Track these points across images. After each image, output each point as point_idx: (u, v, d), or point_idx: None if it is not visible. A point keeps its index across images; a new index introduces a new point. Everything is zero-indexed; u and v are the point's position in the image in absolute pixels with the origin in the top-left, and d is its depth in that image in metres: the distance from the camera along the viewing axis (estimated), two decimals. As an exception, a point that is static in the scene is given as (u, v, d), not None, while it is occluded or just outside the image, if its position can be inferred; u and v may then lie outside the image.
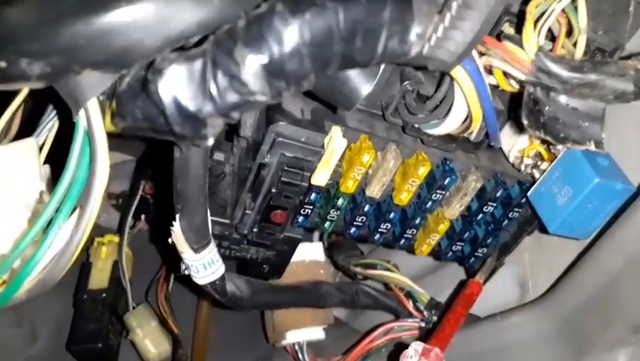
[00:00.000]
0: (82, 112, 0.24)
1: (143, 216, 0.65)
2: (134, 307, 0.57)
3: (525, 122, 0.29)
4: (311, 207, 0.42)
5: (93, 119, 0.24)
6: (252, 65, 0.21)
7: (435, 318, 0.48)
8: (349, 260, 0.55)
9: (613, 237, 0.33)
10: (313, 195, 0.41)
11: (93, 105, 0.24)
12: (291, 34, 0.21)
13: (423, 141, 0.39)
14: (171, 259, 0.60)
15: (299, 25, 0.21)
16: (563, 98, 0.28)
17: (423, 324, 0.48)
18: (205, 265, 0.35)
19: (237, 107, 0.22)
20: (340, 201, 0.42)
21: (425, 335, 0.47)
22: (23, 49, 0.21)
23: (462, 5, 0.23)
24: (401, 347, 0.35)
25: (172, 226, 0.32)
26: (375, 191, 0.42)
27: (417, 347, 0.34)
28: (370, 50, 0.23)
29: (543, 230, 0.38)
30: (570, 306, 0.37)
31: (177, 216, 0.31)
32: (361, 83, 0.26)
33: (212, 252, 0.35)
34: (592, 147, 0.29)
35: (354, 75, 0.27)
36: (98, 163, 0.25)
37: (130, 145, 0.70)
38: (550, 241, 0.46)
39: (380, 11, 0.22)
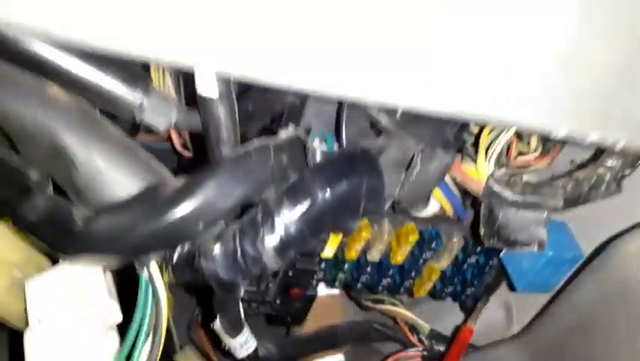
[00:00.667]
0: (145, 271, 0.33)
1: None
2: (180, 348, 0.67)
3: (482, 232, 0.37)
4: (322, 273, 0.50)
5: (154, 276, 0.32)
6: (267, 250, 0.29)
7: (435, 347, 0.56)
8: (361, 295, 0.64)
9: (566, 298, 0.41)
10: (323, 264, 0.49)
11: (154, 267, 0.32)
12: (294, 222, 0.29)
13: (410, 218, 0.47)
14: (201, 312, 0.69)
15: (299, 215, 0.29)
16: (511, 210, 0.36)
17: (425, 353, 0.56)
18: (241, 344, 0.44)
19: (258, 275, 0.30)
20: (346, 266, 0.51)
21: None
22: (106, 250, 0.29)
23: (419, 171, 0.31)
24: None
25: (213, 323, 0.41)
26: (375, 256, 0.50)
27: None
28: (353, 214, 0.31)
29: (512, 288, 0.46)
30: (541, 346, 0.45)
31: (218, 316, 0.40)
32: (353, 223, 0.34)
33: (245, 335, 0.44)
34: (536, 248, 0.36)
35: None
36: (161, 303, 0.33)
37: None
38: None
39: (359, 188, 0.30)
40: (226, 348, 0.44)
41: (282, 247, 0.29)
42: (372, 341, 0.59)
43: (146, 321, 0.34)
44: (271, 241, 0.29)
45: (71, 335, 0.37)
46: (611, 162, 0.33)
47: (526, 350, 0.46)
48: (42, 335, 0.37)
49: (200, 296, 0.67)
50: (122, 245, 0.29)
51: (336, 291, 0.67)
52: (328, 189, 0.29)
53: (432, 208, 0.43)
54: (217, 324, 0.41)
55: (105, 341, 0.38)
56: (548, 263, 0.42)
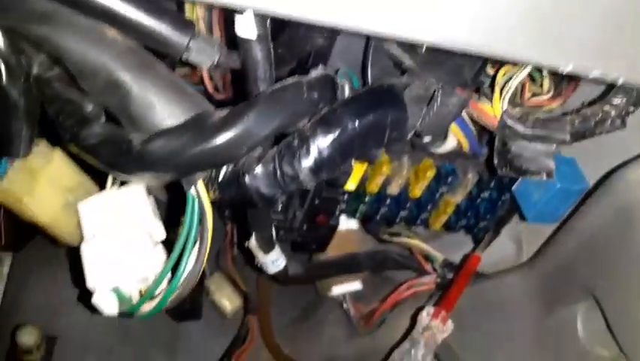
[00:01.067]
0: (192, 189, 0.37)
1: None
2: (210, 274, 0.73)
3: (495, 162, 0.40)
4: (345, 204, 0.54)
5: (201, 195, 0.37)
6: (304, 170, 0.33)
7: (447, 274, 0.61)
8: (379, 228, 0.68)
9: (572, 224, 0.45)
10: (346, 196, 0.54)
11: (200, 185, 0.36)
12: (327, 147, 0.33)
13: (429, 155, 0.50)
14: (237, 233, 0.74)
15: (331, 141, 0.32)
16: (524, 142, 0.39)
17: (438, 280, 0.61)
18: (272, 261, 0.49)
19: (294, 190, 0.34)
20: (367, 199, 0.55)
21: (439, 289, 0.61)
22: (161, 168, 0.33)
23: (440, 105, 0.34)
24: (419, 309, 0.49)
25: (249, 240, 0.46)
26: (394, 190, 0.54)
27: (429, 310, 0.47)
28: (379, 143, 0.34)
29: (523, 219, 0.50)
30: (546, 271, 0.49)
31: (253, 234, 0.45)
32: (377, 151, 0.38)
33: (276, 252, 0.49)
34: (544, 177, 0.40)
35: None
36: (206, 220, 0.37)
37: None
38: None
39: (384, 120, 0.33)
40: (258, 265, 0.49)
41: (316, 168, 0.33)
42: (389, 269, 0.64)
43: (193, 233, 0.38)
44: (307, 162, 0.33)
45: (123, 247, 0.42)
46: (616, 100, 0.36)
47: (534, 277, 0.50)
48: (97, 248, 0.42)
49: (234, 221, 0.72)
50: (174, 164, 0.33)
51: (355, 225, 0.71)
52: (357, 119, 0.33)
53: (450, 144, 0.46)
54: (252, 242, 0.46)
55: (153, 253, 0.42)
56: (557, 194, 0.45)
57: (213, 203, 0.37)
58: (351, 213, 0.57)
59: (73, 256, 0.47)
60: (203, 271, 0.73)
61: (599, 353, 0.45)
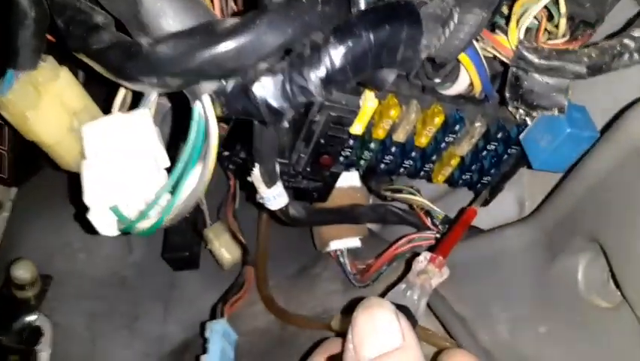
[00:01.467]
0: (197, 102, 0.36)
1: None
2: (210, 224, 0.72)
3: (507, 94, 0.40)
4: (350, 150, 0.54)
5: (207, 108, 0.36)
6: (314, 80, 0.32)
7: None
8: (380, 185, 0.68)
9: (578, 172, 0.44)
10: (352, 141, 0.53)
11: (206, 99, 0.36)
12: (340, 57, 0.32)
13: (438, 98, 0.50)
14: (240, 184, 0.74)
15: (344, 51, 0.32)
16: (537, 76, 0.38)
17: (438, 235, 0.61)
18: (275, 197, 0.48)
19: (303, 104, 0.34)
20: (372, 145, 0.54)
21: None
22: (168, 71, 0.33)
23: (457, 23, 0.34)
24: (415, 255, 0.49)
25: (252, 171, 0.45)
26: (400, 136, 0.53)
27: (426, 255, 0.47)
28: (392, 59, 0.34)
29: (530, 166, 0.49)
30: (548, 223, 0.49)
31: (256, 164, 0.44)
32: (388, 74, 0.37)
33: (279, 187, 0.48)
34: (556, 112, 0.39)
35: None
36: (212, 136, 0.37)
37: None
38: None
39: (399, 34, 0.33)
40: (260, 200, 0.49)
41: (327, 79, 0.32)
42: (390, 223, 0.63)
43: (197, 150, 0.37)
44: (318, 72, 0.32)
45: (124, 167, 0.41)
46: (637, 33, 0.35)
47: (535, 228, 0.50)
48: (98, 166, 0.41)
49: (237, 175, 0.72)
50: (182, 68, 0.32)
51: (357, 183, 0.71)
52: (372, 30, 0.32)
53: (461, 85, 0.45)
54: (255, 173, 0.45)
55: (156, 176, 0.42)
56: (566, 140, 0.44)
57: (219, 119, 0.37)
58: (356, 162, 0.56)
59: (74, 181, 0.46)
60: (204, 220, 0.73)
61: (597, 304, 0.45)
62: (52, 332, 0.70)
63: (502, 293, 0.52)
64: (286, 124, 0.35)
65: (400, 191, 0.64)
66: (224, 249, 0.71)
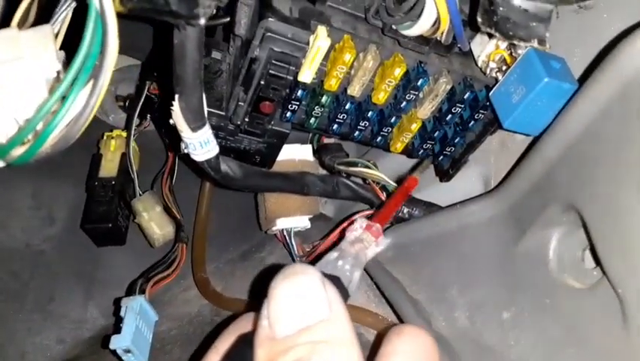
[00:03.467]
0: (94, -5, 0.29)
1: (148, 116, 0.70)
2: (140, 195, 0.64)
3: (479, 19, 0.33)
4: (297, 103, 0.47)
5: (104, 1, 0.28)
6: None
7: (404, 208, 0.54)
8: (335, 160, 0.61)
9: (554, 130, 0.38)
10: (299, 92, 0.46)
11: (104, -12, 0.28)
12: None
13: (400, 42, 0.43)
14: (175, 151, 0.67)
15: None
16: (515, 1, 0.32)
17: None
18: (202, 144, 0.40)
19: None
20: (324, 99, 0.47)
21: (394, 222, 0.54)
22: None
23: None
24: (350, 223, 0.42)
25: (171, 106, 0.37)
26: (356, 90, 0.47)
27: (361, 222, 0.40)
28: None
29: (502, 128, 0.43)
30: (517, 193, 0.42)
31: (176, 97, 0.36)
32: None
33: (207, 133, 0.40)
34: (535, 44, 0.33)
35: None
36: (109, 39, 0.29)
37: (136, 49, 0.73)
38: (514, 144, 0.51)
39: None
40: (184, 150, 0.41)
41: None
42: (341, 197, 0.56)
43: (92, 56, 0.30)
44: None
45: (8, 81, 0.33)
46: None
47: (503, 200, 0.44)
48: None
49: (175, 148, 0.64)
50: None
51: (310, 157, 0.64)
52: None
53: (425, 21, 0.39)
54: (175, 109, 0.37)
55: (39, 94, 0.34)
56: (542, 92, 0.38)
57: (120, 16, 0.29)
58: (305, 120, 0.49)
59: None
60: (133, 190, 0.64)
61: (569, 284, 0.39)
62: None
63: (461, 275, 0.46)
64: (202, 22, 0.28)
65: (354, 164, 0.57)
66: (155, 223, 0.62)
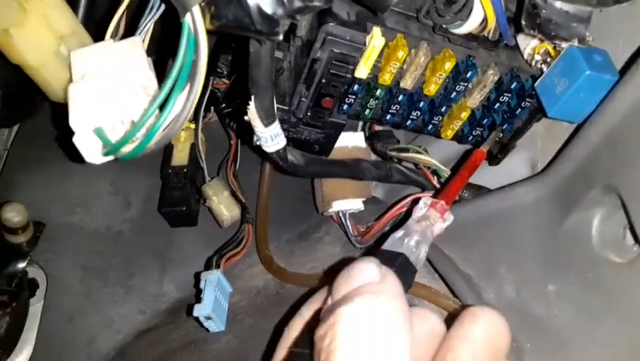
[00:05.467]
0: (188, 15, 0.34)
1: (212, 108, 0.76)
2: (209, 180, 0.70)
3: (523, 22, 0.37)
4: (354, 97, 0.51)
5: (197, 20, 0.34)
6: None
7: (455, 191, 0.58)
8: (386, 146, 0.65)
9: (596, 117, 0.41)
10: (356, 87, 0.50)
11: (197, 10, 0.33)
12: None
13: (449, 39, 0.47)
14: (240, 140, 0.72)
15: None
16: (557, 3, 0.35)
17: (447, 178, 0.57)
18: (272, 137, 0.46)
19: (300, 11, 0.31)
20: (378, 92, 0.51)
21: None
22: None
23: None
24: (415, 202, 0.45)
25: (248, 105, 0.43)
26: (408, 83, 0.50)
27: (426, 200, 0.44)
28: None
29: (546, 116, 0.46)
30: (562, 176, 0.46)
31: (252, 98, 0.42)
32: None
33: (277, 127, 0.45)
34: (576, 42, 0.36)
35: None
36: (201, 52, 0.34)
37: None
38: (559, 130, 0.54)
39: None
40: (257, 142, 0.46)
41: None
42: (395, 181, 0.61)
43: (186, 67, 0.35)
44: (314, -27, 0.29)
45: (112, 90, 0.39)
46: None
47: (548, 183, 0.47)
48: (84, 88, 0.39)
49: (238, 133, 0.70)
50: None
51: (362, 143, 0.68)
52: None
53: (473, 20, 0.42)
54: (251, 108, 0.42)
55: (144, 100, 0.39)
56: (584, 83, 0.41)
57: (210, 33, 0.34)
58: (361, 111, 0.53)
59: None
60: (203, 176, 0.71)
61: (610, 260, 0.42)
62: (46, 284, 0.69)
63: (510, 253, 0.49)
64: (280, 37, 0.33)
65: (406, 150, 0.61)
66: (223, 206, 0.68)
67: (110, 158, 0.38)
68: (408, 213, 0.45)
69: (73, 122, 0.38)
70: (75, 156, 0.40)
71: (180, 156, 0.70)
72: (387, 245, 0.39)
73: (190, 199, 0.68)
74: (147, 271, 0.72)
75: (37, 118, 0.73)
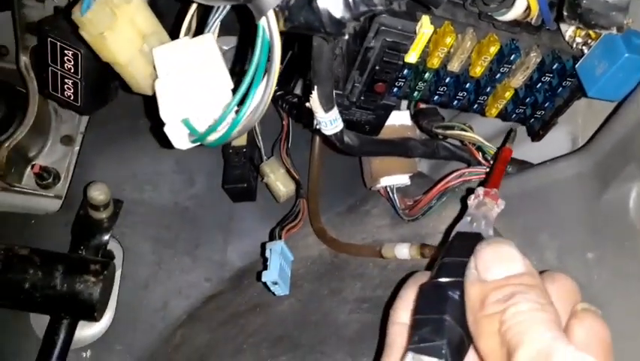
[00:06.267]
0: (263, 18, 0.39)
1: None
2: (266, 159, 0.76)
3: (565, 13, 0.40)
4: (403, 80, 0.55)
5: (271, 23, 0.38)
6: (375, -10, 0.34)
7: (499, 166, 0.61)
8: (432, 124, 0.69)
9: (636, 96, 0.44)
10: (406, 71, 0.54)
11: (271, 14, 0.38)
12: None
13: (494, 25, 0.50)
14: (296, 120, 0.77)
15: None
16: (596, -6, 0.38)
17: (489, 170, 0.62)
18: (331, 121, 0.51)
19: (365, 14, 0.35)
20: (427, 75, 0.55)
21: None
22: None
23: None
24: (469, 192, 0.50)
25: (310, 94, 0.48)
26: (455, 66, 0.54)
27: (479, 190, 0.48)
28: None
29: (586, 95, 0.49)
30: (602, 151, 0.49)
31: (315, 87, 0.47)
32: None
33: (335, 112, 0.50)
34: (614, 30, 0.39)
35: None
36: (275, 50, 0.39)
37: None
38: (600, 107, 0.57)
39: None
40: (317, 126, 0.51)
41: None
42: (441, 157, 0.65)
43: (261, 65, 0.40)
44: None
45: (194, 85, 0.45)
46: None
47: (588, 158, 0.50)
48: (170, 84, 0.45)
49: (290, 114, 0.75)
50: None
51: (408, 121, 0.72)
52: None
53: (517, 8, 0.46)
54: (313, 96, 0.47)
55: (223, 93, 0.45)
56: (623, 65, 0.44)
57: (282, 34, 0.39)
58: (410, 93, 0.57)
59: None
60: (260, 155, 0.77)
61: (648, 230, 0.45)
62: (122, 255, 0.77)
63: (551, 223, 0.53)
64: (346, 37, 0.37)
65: (451, 128, 0.65)
66: (280, 182, 0.74)
67: (197, 144, 0.44)
68: (463, 205, 0.49)
69: (163, 114, 0.44)
70: (165, 142, 0.46)
71: (240, 138, 0.75)
72: (459, 228, 0.43)
73: (250, 177, 0.74)
74: (212, 242, 0.80)
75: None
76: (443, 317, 0.32)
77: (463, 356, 0.33)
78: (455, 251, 0.36)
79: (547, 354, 0.27)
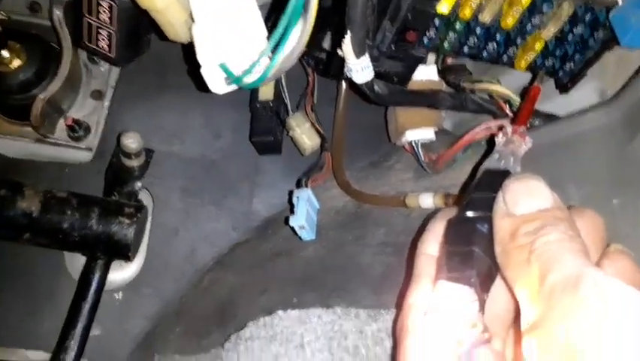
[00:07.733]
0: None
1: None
2: (292, 114, 0.77)
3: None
4: (434, 31, 0.56)
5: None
6: None
7: (526, 119, 0.62)
8: (460, 78, 0.69)
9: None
10: (437, 22, 0.55)
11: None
12: None
13: (528, -26, 0.50)
14: (322, 75, 0.78)
15: None
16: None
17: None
18: (362, 68, 0.51)
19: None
20: (458, 26, 0.56)
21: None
22: None
23: None
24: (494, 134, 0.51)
25: (343, 39, 0.48)
26: (486, 17, 0.54)
27: (508, 128, 0.49)
28: None
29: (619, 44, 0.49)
30: (630, 102, 0.49)
31: (349, 33, 0.47)
32: None
33: (367, 59, 0.51)
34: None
35: None
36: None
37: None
38: (629, 59, 0.57)
39: None
40: (347, 72, 0.52)
41: None
42: (469, 110, 0.65)
43: (299, 6, 0.41)
44: None
45: (231, 29, 0.46)
46: None
47: (616, 108, 0.51)
48: (207, 28, 0.46)
49: (316, 67, 0.75)
50: None
51: (435, 77, 0.72)
52: None
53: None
54: (346, 41, 0.48)
55: (259, 38, 0.46)
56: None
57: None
58: (439, 44, 0.58)
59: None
60: (286, 109, 0.78)
61: (674, 178, 0.46)
62: (152, 203, 0.79)
63: (578, 172, 0.54)
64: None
65: (479, 81, 0.66)
66: (305, 136, 0.76)
67: (234, 87, 0.46)
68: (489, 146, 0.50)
69: (200, 57, 0.45)
70: (201, 85, 0.47)
71: (266, 91, 0.77)
72: (487, 165, 0.44)
73: (276, 130, 0.76)
74: (238, 193, 0.82)
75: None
76: (472, 248, 0.34)
77: (490, 286, 0.34)
78: (483, 187, 0.37)
79: (577, 277, 0.28)
